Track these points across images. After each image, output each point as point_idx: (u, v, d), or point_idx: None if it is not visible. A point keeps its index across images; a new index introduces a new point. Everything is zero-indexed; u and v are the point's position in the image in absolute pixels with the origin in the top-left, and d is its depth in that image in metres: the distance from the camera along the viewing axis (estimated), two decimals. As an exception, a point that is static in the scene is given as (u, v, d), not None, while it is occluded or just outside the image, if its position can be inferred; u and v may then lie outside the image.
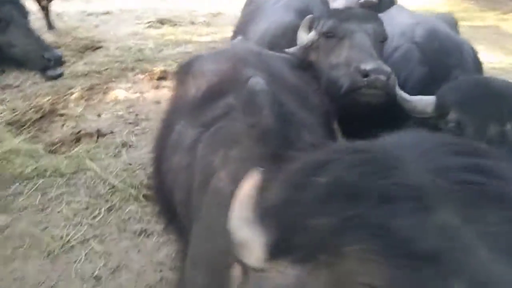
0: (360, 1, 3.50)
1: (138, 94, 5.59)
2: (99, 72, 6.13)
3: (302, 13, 2.70)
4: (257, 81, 1.39)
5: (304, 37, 2.29)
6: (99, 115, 4.99)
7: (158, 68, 6.30)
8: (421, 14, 3.15)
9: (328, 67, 2.11)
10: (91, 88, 5.68)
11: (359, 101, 1.93)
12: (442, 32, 2.41)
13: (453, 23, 2.91)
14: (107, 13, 9.27)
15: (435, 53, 2.20)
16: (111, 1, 10.14)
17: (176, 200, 1.70)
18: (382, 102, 1.95)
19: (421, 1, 10.39)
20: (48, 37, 7.00)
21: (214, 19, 9.60)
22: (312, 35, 2.24)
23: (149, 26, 8.58)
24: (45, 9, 7.75)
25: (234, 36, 3.29)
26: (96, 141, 4.42)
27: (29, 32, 3.17)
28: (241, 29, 3.25)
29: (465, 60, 2.23)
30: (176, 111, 1.93)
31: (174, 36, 8.04)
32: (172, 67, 6.48)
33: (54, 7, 8.21)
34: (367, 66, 1.87)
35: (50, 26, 7.87)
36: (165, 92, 5.72)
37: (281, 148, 1.18)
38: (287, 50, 2.31)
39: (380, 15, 3.30)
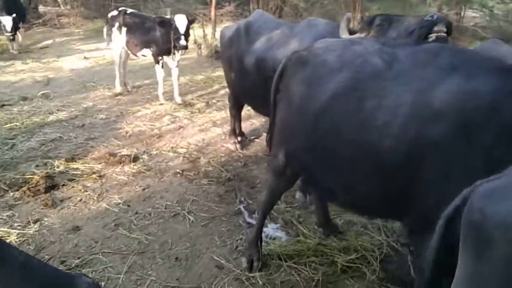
0: (429, 40, 2.79)
1: (35, 226, 3.56)
2: None
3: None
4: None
5: None
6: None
7: (33, 176, 4.27)
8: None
9: None
10: None
11: None
12: None
13: None
14: None
15: None
16: None
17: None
18: None
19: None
20: None
21: (48, 88, 7.45)
22: None
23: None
24: None
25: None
26: None
27: None
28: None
29: None
30: None
31: (19, 122, 5.79)
32: (49, 167, 4.53)
33: None
34: None
35: None
36: (73, 210, 3.84)
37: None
38: None
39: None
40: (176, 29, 5.98)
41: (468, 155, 1.65)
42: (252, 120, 6.10)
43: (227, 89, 7.67)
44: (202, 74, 8.70)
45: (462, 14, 13.81)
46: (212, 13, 9.78)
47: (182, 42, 6.01)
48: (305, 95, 2.26)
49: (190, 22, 6.11)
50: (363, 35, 3.09)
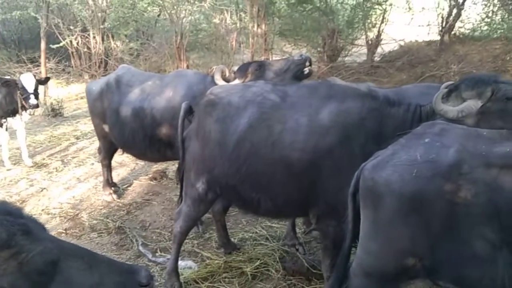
0: (305, 73, 3.71)
1: None
2: None
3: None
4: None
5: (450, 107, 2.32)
6: None
7: None
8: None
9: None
10: None
11: None
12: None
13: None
14: None
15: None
16: None
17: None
18: None
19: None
20: None
21: None
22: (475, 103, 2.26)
23: None
24: None
25: None
26: None
27: None
28: None
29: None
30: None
31: None
32: None
33: None
34: None
35: None
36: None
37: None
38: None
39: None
40: (24, 88, 5.76)
41: (351, 154, 2.45)
42: (117, 170, 6.16)
43: (78, 145, 7.63)
44: (42, 133, 8.23)
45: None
46: (43, 71, 9.39)
47: (32, 101, 5.80)
48: (222, 130, 2.79)
49: (39, 81, 5.96)
50: (241, 81, 3.79)
